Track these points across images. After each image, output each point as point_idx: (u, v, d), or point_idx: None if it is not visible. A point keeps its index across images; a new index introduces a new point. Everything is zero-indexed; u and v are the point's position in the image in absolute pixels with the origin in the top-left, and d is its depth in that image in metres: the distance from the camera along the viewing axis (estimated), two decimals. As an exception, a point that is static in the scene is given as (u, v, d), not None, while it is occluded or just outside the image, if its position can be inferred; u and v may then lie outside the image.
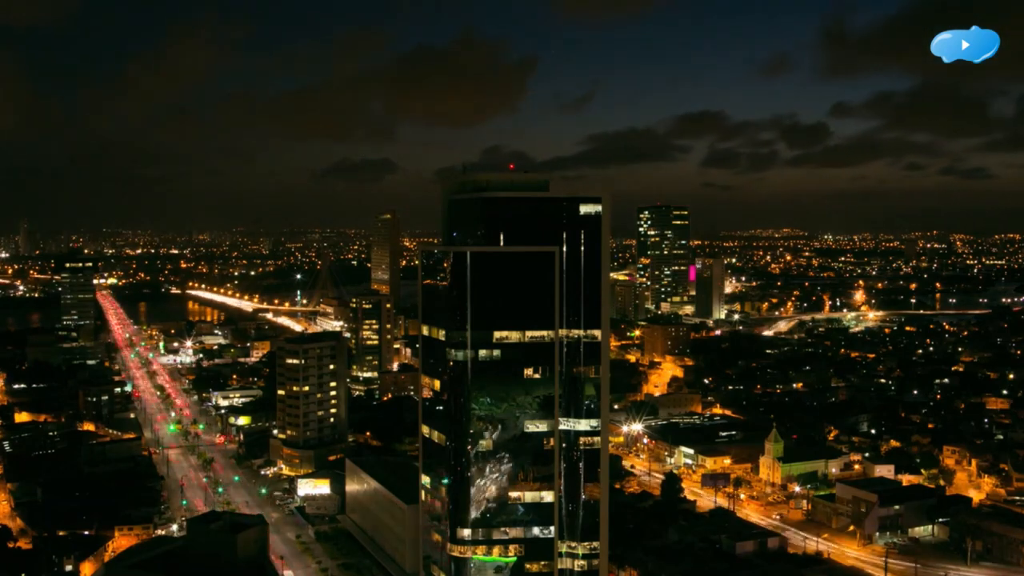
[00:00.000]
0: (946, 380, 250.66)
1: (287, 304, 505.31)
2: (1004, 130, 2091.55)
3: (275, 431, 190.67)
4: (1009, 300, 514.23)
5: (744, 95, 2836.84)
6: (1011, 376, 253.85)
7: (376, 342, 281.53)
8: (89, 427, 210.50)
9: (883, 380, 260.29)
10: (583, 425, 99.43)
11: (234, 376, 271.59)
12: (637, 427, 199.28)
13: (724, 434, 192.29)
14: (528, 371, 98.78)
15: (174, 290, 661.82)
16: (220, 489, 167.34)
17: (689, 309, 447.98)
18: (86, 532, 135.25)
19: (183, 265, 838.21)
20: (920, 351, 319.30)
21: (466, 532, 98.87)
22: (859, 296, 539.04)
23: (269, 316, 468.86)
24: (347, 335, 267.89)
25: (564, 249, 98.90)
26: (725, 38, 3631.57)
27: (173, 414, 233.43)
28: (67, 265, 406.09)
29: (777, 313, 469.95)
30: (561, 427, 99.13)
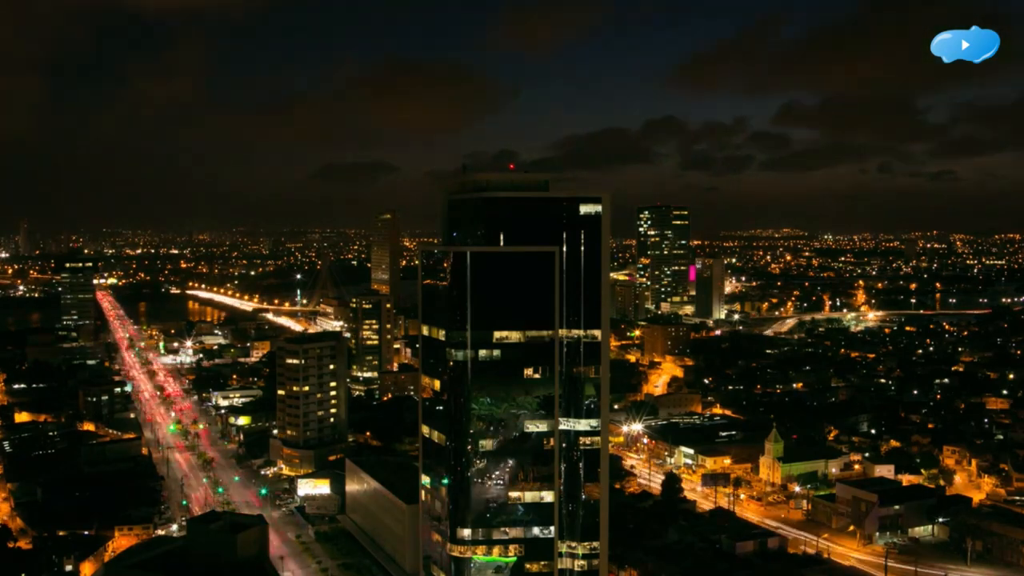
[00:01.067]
0: (946, 380, 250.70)
1: (287, 304, 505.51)
2: (943, 136, 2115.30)
3: (275, 431, 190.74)
4: (1009, 300, 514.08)
5: (690, 103, 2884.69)
6: (1011, 376, 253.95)
7: (376, 342, 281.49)
8: (89, 427, 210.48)
9: (883, 380, 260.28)
10: (583, 425, 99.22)
11: (234, 376, 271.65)
12: (637, 427, 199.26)
13: (724, 434, 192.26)
14: (528, 371, 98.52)
15: (174, 290, 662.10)
16: (220, 489, 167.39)
17: (689, 309, 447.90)
18: (86, 532, 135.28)
19: (183, 265, 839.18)
20: (920, 351, 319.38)
21: (466, 532, 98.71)
22: (859, 296, 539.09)
23: (269, 316, 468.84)
24: (347, 335, 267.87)
25: (564, 249, 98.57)
26: (664, 52, 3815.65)
27: (173, 414, 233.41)
28: (67, 265, 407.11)
29: (777, 313, 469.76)
30: (561, 427, 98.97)
